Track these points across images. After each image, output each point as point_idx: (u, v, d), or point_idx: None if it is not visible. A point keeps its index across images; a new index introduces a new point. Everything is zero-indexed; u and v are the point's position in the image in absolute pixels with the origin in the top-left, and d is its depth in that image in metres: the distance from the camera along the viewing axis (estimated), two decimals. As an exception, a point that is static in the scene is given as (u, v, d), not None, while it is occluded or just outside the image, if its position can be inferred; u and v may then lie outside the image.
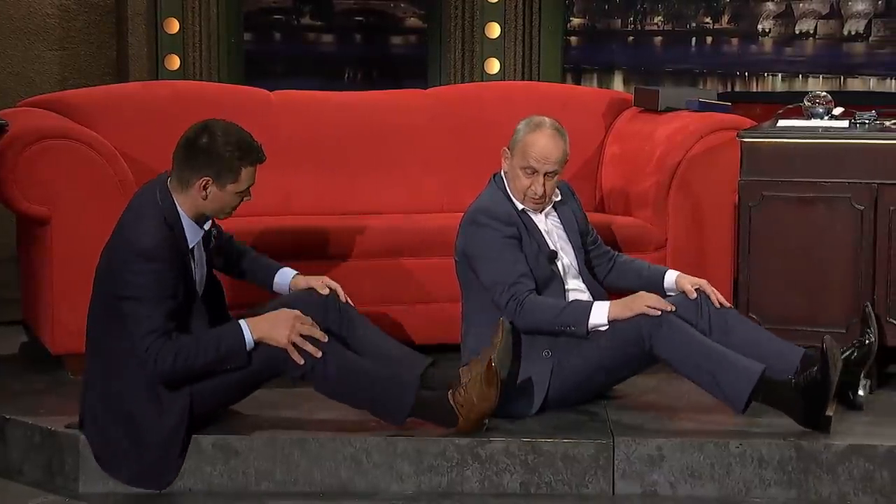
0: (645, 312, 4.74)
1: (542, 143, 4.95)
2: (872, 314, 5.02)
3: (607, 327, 4.80)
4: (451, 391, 4.65)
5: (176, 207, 4.61)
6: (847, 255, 5.20)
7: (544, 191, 4.97)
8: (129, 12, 7.58)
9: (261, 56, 8.26)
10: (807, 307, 5.23)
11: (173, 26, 7.68)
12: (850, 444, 4.65)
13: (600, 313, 4.81)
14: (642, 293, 4.85)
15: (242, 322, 4.59)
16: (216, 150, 4.57)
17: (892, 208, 5.17)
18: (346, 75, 8.43)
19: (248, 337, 4.56)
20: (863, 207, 5.18)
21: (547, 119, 5.02)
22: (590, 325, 4.80)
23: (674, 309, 4.79)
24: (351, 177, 6.04)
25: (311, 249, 5.52)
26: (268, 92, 6.14)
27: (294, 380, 4.66)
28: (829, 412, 4.70)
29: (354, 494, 4.66)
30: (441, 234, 5.48)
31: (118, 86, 6.64)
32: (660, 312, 4.75)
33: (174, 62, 7.68)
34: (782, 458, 4.64)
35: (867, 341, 4.93)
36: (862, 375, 4.95)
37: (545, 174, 4.96)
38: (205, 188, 4.60)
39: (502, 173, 5.05)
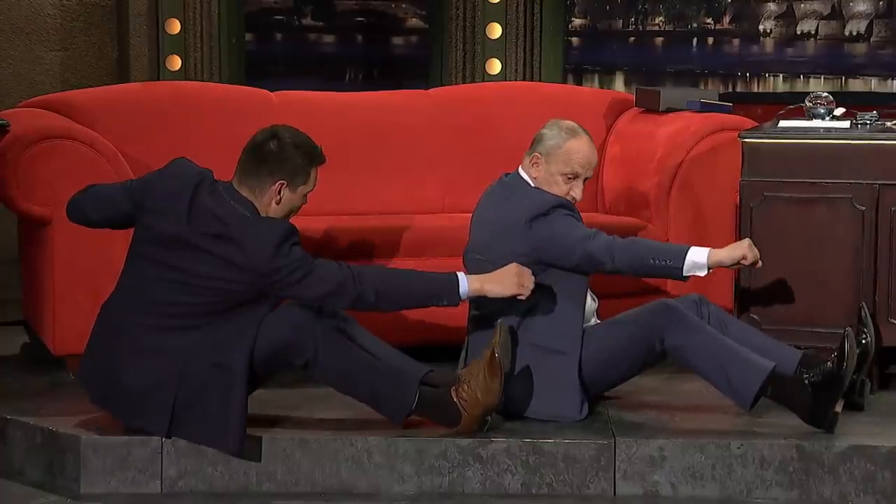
0: (745, 255, 4.76)
1: (586, 149, 4.96)
2: (868, 314, 5.02)
3: (706, 273, 4.77)
4: (453, 388, 4.66)
5: (257, 212, 4.68)
6: (848, 255, 5.20)
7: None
8: (130, 13, 7.59)
9: (262, 56, 8.27)
10: (808, 307, 5.23)
11: (174, 27, 7.69)
12: (852, 444, 4.65)
13: (700, 253, 4.77)
14: (747, 240, 4.87)
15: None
16: (288, 154, 4.70)
17: (893, 209, 5.17)
18: (348, 76, 8.44)
19: (464, 282, 4.69)
20: (864, 208, 5.18)
21: (575, 123, 5.01)
22: (687, 262, 4.76)
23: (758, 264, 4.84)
24: (352, 177, 6.04)
25: (311, 249, 5.48)
26: (269, 92, 6.14)
27: (297, 369, 4.68)
28: (838, 409, 4.71)
29: (356, 495, 4.66)
30: (441, 233, 5.49)
31: (119, 86, 6.64)
32: (759, 263, 4.80)
33: (175, 62, 7.69)
34: (784, 458, 4.64)
35: (863, 341, 4.93)
36: (862, 376, 4.96)
37: (584, 179, 4.97)
38: (279, 192, 4.69)
39: (528, 178, 5.01)
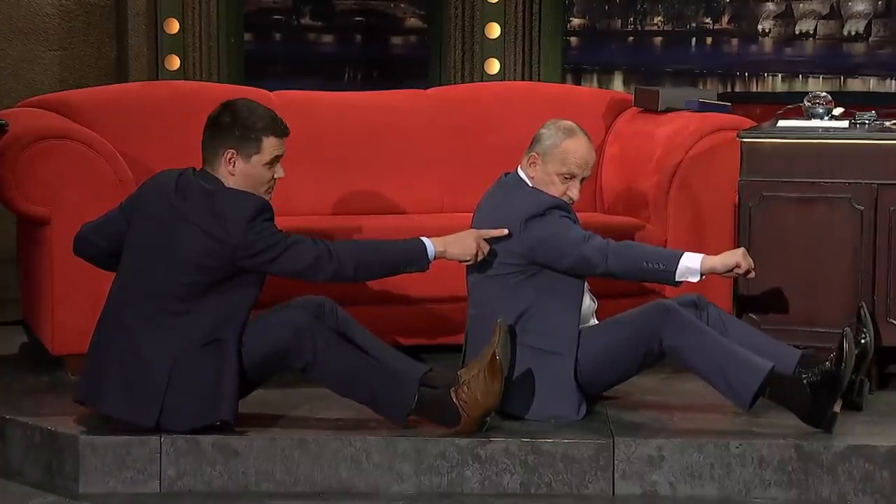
0: (738, 264, 4.78)
1: (582, 149, 4.95)
2: (867, 314, 5.02)
3: (698, 279, 4.79)
4: (453, 389, 4.66)
5: (224, 186, 4.69)
6: (847, 255, 5.20)
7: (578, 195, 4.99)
8: (129, 12, 7.59)
9: (261, 56, 8.27)
10: (806, 307, 5.23)
11: (173, 26, 7.68)
12: (850, 444, 4.65)
13: (693, 259, 4.80)
14: (741, 249, 4.89)
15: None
16: (238, 123, 4.70)
17: (892, 208, 5.17)
18: (347, 75, 8.44)
19: (430, 246, 4.79)
20: (863, 208, 5.18)
21: (573, 123, 5.01)
22: (680, 267, 4.78)
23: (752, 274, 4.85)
24: (351, 177, 6.05)
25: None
26: (268, 92, 6.14)
27: (297, 371, 4.69)
28: (836, 409, 4.71)
29: (354, 495, 4.66)
30: (441, 234, 5.47)
31: (118, 86, 6.64)
32: (752, 273, 4.82)
33: (174, 62, 7.68)
34: (782, 458, 4.64)
35: (862, 341, 4.93)
36: (860, 375, 4.96)
37: (581, 179, 4.97)
38: (231, 162, 4.69)
39: (526, 177, 5.01)
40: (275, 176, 4.76)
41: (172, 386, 4.62)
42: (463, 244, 4.82)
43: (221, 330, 4.64)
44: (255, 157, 4.71)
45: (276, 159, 4.75)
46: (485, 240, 4.85)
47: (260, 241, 4.61)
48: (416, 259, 4.78)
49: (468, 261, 4.85)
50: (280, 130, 4.76)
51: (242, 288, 4.68)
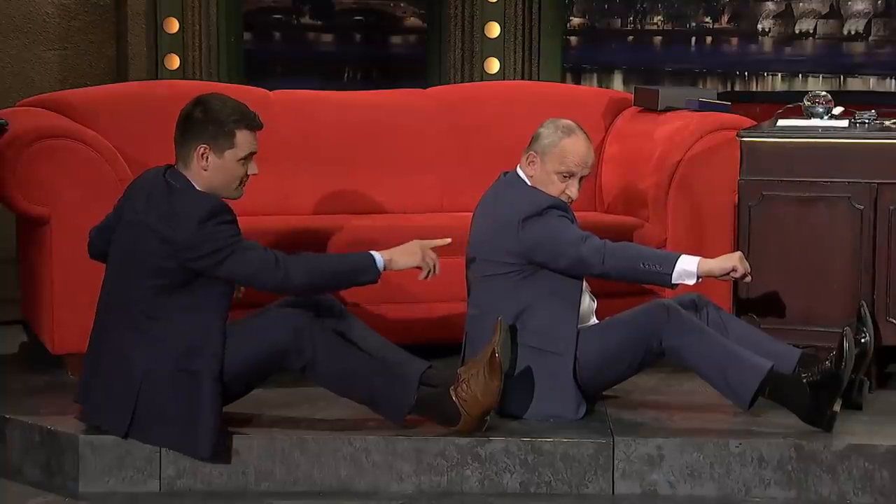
0: (735, 267, 4.78)
1: (582, 148, 4.95)
2: (868, 313, 5.02)
3: (694, 282, 4.79)
4: (452, 388, 4.66)
5: (192, 184, 4.64)
6: (846, 254, 5.20)
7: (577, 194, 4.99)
8: (128, 12, 7.58)
9: (260, 56, 8.27)
10: (806, 307, 5.23)
11: (173, 26, 7.68)
12: (850, 443, 4.65)
13: (690, 261, 4.80)
14: (738, 253, 4.89)
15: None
16: (210, 117, 4.64)
17: (891, 208, 5.17)
18: (346, 75, 8.44)
19: (378, 258, 4.72)
20: (862, 207, 5.18)
21: (572, 122, 5.01)
22: (676, 270, 4.78)
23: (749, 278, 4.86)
24: (350, 176, 6.04)
25: (309, 249, 5.49)
26: (267, 91, 6.14)
27: (295, 372, 4.68)
28: (836, 408, 4.72)
29: (354, 494, 4.66)
30: (440, 233, 5.47)
31: (118, 85, 6.64)
32: (749, 277, 4.82)
33: (174, 62, 7.68)
34: (782, 457, 4.64)
35: (863, 340, 4.93)
36: (860, 375, 4.96)
37: (580, 178, 4.97)
38: (203, 156, 4.64)
39: (525, 176, 5.01)
40: (248, 172, 4.71)
41: (142, 401, 4.60)
42: (408, 253, 4.77)
43: (195, 358, 4.58)
44: (228, 153, 4.66)
45: (249, 155, 4.69)
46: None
47: (206, 242, 4.55)
48: (365, 270, 4.72)
49: (418, 268, 4.78)
50: (253, 124, 4.70)
51: (209, 293, 4.62)
